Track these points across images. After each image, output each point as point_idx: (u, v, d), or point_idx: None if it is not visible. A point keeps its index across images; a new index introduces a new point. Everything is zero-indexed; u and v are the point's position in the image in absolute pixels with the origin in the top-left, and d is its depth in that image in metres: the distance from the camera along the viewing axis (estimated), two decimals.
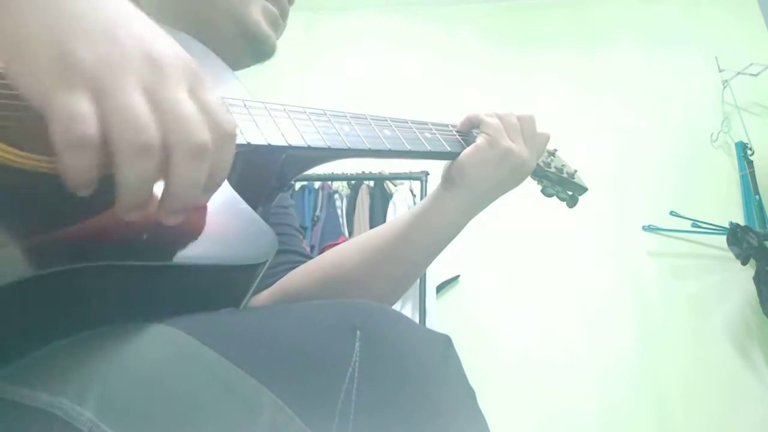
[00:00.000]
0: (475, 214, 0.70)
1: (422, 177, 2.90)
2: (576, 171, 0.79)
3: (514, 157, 0.67)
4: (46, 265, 0.33)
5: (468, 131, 0.70)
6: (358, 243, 0.71)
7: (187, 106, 0.33)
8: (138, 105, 0.32)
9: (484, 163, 0.66)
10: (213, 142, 0.34)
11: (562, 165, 0.78)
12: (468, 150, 0.66)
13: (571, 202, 0.79)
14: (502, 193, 0.70)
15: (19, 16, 0.32)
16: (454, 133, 0.69)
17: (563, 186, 0.78)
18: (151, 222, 0.37)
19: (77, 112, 0.30)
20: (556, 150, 0.79)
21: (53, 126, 0.30)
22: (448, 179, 0.68)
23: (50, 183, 0.37)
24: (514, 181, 0.69)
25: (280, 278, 0.71)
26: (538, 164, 0.74)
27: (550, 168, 0.76)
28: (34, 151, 0.39)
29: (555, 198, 0.78)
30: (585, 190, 0.79)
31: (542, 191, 0.77)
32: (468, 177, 0.66)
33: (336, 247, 0.73)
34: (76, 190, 0.32)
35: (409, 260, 0.70)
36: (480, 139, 0.66)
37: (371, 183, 3.00)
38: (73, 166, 0.31)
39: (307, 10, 3.44)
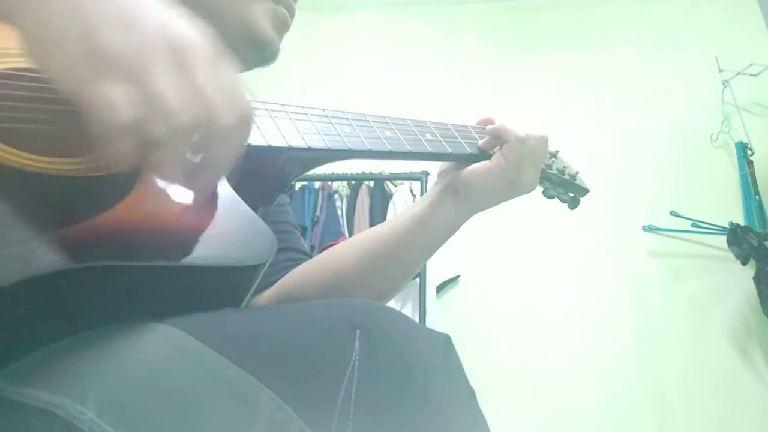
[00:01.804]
0: (468, 219, 0.72)
1: (422, 177, 2.89)
2: (578, 173, 0.79)
3: (523, 185, 0.68)
4: (45, 266, 0.33)
5: (473, 137, 0.69)
6: (356, 246, 0.71)
7: (208, 90, 0.34)
8: (165, 92, 0.33)
9: (492, 184, 0.67)
10: (232, 125, 0.35)
11: (564, 167, 0.78)
12: (480, 169, 0.67)
13: (573, 203, 0.79)
14: (499, 204, 0.72)
15: (41, 13, 0.33)
16: (455, 134, 0.68)
17: (565, 188, 0.78)
18: (151, 222, 0.37)
19: (112, 101, 0.32)
20: (557, 151, 0.79)
21: (91, 116, 0.32)
22: (451, 189, 0.68)
23: (50, 184, 0.37)
24: (512, 197, 0.71)
25: (281, 276, 0.71)
26: None
27: (551, 170, 0.76)
28: (35, 152, 0.39)
29: (556, 200, 0.78)
30: (587, 191, 0.79)
31: (543, 193, 0.77)
32: (473, 193, 0.67)
33: (334, 249, 0.73)
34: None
35: (406, 264, 0.71)
36: (495, 163, 0.67)
37: (371, 183, 3.00)
38: (113, 153, 0.32)
39: (307, 10, 3.44)
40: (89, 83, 0.32)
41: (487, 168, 0.67)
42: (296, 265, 0.73)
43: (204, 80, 0.34)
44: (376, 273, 0.69)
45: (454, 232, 0.71)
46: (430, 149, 0.64)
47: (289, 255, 0.74)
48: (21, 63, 0.43)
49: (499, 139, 0.68)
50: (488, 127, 0.69)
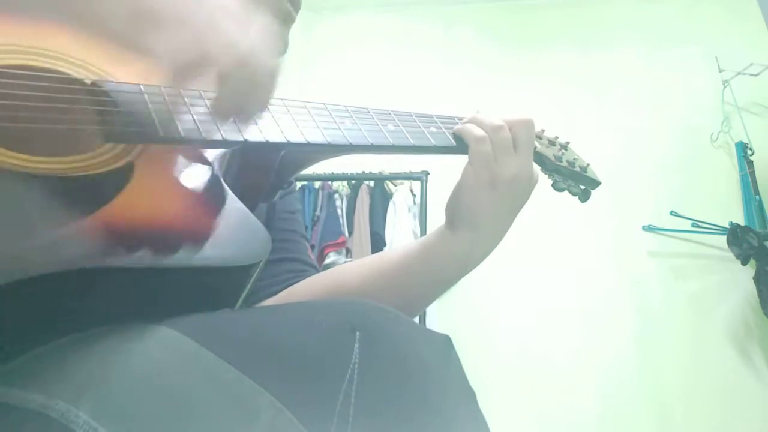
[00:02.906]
0: (489, 249, 0.67)
1: (422, 177, 2.89)
2: (588, 165, 0.76)
3: (511, 182, 0.62)
4: (37, 267, 0.33)
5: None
6: (364, 264, 0.70)
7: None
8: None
9: (477, 197, 0.62)
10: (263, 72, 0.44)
11: (575, 159, 0.75)
12: (460, 184, 0.63)
13: (584, 196, 0.76)
14: (515, 217, 0.66)
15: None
16: None
17: (575, 180, 0.74)
18: (142, 222, 0.36)
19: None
20: (568, 143, 0.76)
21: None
22: (448, 219, 0.65)
23: (50, 184, 0.37)
24: (521, 199, 0.64)
25: (283, 287, 0.69)
26: (549, 159, 0.71)
27: (561, 162, 0.72)
28: (26, 152, 0.38)
29: (566, 192, 0.75)
30: (598, 184, 0.76)
31: (553, 186, 0.73)
32: (465, 214, 0.63)
33: (339, 267, 0.71)
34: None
35: (410, 292, 0.67)
36: (464, 174, 0.62)
37: (371, 183, 3.00)
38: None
39: (307, 10, 3.42)
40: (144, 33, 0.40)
41: (457, 184, 0.63)
42: (300, 276, 0.71)
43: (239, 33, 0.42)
44: (379, 291, 0.66)
45: (468, 262, 0.67)
46: (434, 142, 0.61)
47: (293, 266, 0.72)
48: (13, 60, 0.43)
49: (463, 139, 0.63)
50: (455, 128, 0.64)
